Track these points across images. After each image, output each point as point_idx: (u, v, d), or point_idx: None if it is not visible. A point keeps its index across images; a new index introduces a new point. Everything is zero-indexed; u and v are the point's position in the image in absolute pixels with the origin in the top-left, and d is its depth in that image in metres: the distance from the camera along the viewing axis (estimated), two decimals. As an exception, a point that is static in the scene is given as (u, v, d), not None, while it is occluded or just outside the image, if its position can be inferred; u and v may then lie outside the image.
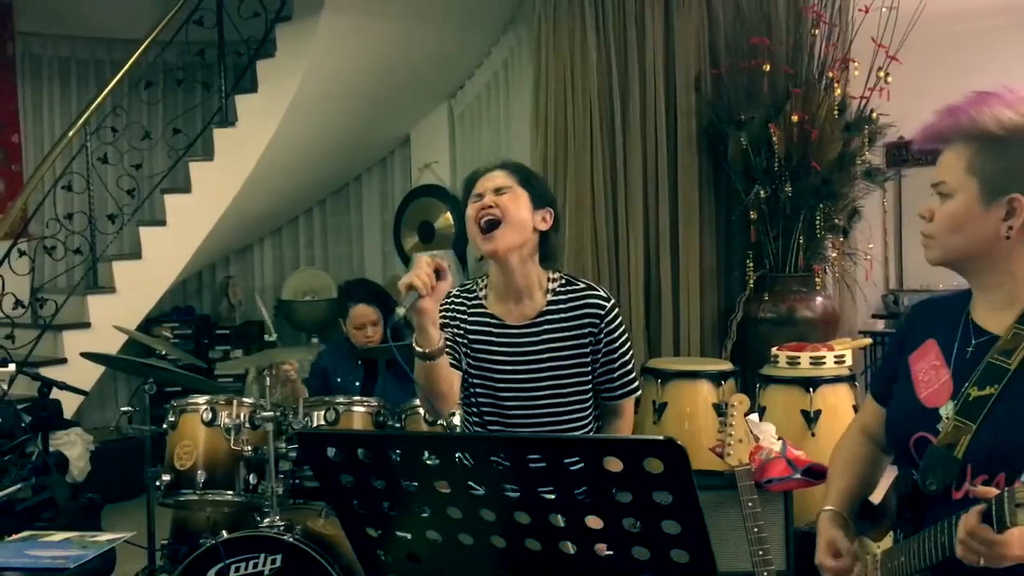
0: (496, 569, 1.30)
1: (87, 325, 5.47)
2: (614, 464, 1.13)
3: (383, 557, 1.40)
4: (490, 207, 2.08)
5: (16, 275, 5.29)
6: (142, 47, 5.43)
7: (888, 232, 6.03)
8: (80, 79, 6.58)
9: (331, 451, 1.30)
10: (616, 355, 2.18)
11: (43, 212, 5.85)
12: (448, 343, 2.05)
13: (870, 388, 1.76)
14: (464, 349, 2.17)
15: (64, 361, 5.28)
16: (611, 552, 1.22)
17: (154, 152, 6.26)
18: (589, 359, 2.15)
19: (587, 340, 2.14)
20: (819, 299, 4.44)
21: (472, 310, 2.20)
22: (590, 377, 2.17)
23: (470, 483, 1.24)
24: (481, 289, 2.22)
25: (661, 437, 1.11)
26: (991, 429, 1.39)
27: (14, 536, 2.86)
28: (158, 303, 5.81)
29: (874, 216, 4.96)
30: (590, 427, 2.21)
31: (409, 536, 1.35)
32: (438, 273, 1.90)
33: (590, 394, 2.18)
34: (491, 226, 2.07)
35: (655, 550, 1.19)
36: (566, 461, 1.16)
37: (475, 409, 2.21)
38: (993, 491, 1.20)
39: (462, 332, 2.17)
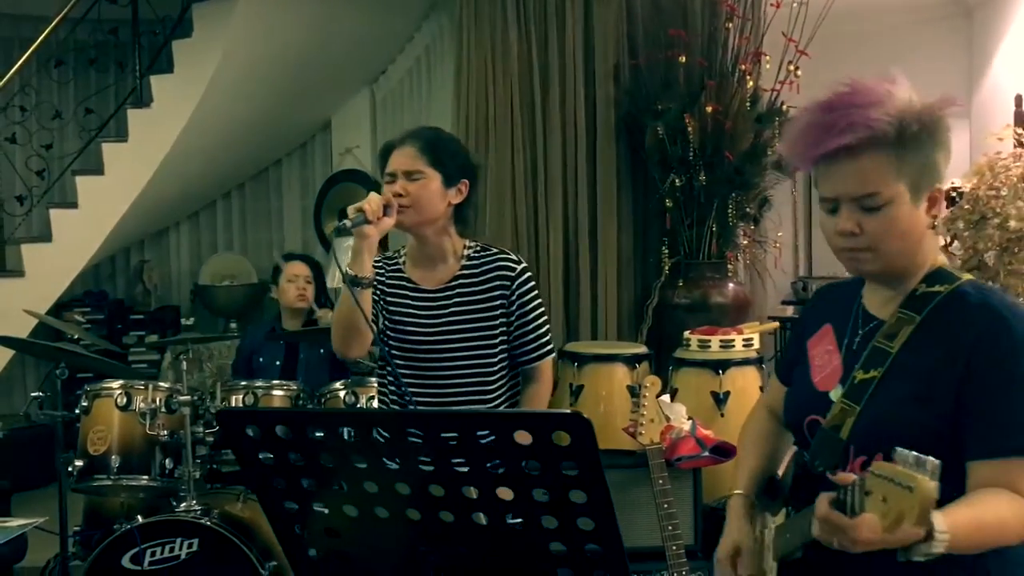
0: (411, 541, 1.35)
1: (-7, 309, 5.31)
2: (524, 437, 1.18)
3: (301, 532, 1.43)
4: (400, 195, 2.17)
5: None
6: (52, 24, 5.28)
7: (798, 221, 6.25)
8: (-13, 56, 6.37)
9: (250, 429, 1.33)
10: (529, 316, 2.28)
11: (-53, 193, 5.67)
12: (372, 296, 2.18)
13: (775, 368, 1.82)
14: (382, 312, 2.27)
15: (-31, 347, 5.12)
16: (521, 521, 1.28)
17: (65, 133, 6.10)
18: (499, 321, 2.25)
19: (499, 303, 2.25)
20: (731, 285, 4.58)
21: (391, 274, 2.31)
22: (500, 339, 2.26)
23: (385, 458, 1.28)
24: (401, 256, 2.34)
25: (568, 411, 1.16)
26: (872, 410, 1.45)
27: (-80, 524, 2.80)
28: (69, 287, 5.66)
29: (784, 205, 5.14)
30: (503, 389, 2.31)
31: (327, 511, 1.39)
32: (386, 208, 2.08)
33: (501, 357, 2.28)
34: (402, 207, 2.17)
35: (563, 519, 1.25)
36: (478, 434, 1.21)
37: (392, 377, 2.30)
38: (851, 477, 1.24)
39: (379, 294, 2.27)
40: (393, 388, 2.33)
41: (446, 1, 5.30)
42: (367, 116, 6.49)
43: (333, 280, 5.55)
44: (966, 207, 5.04)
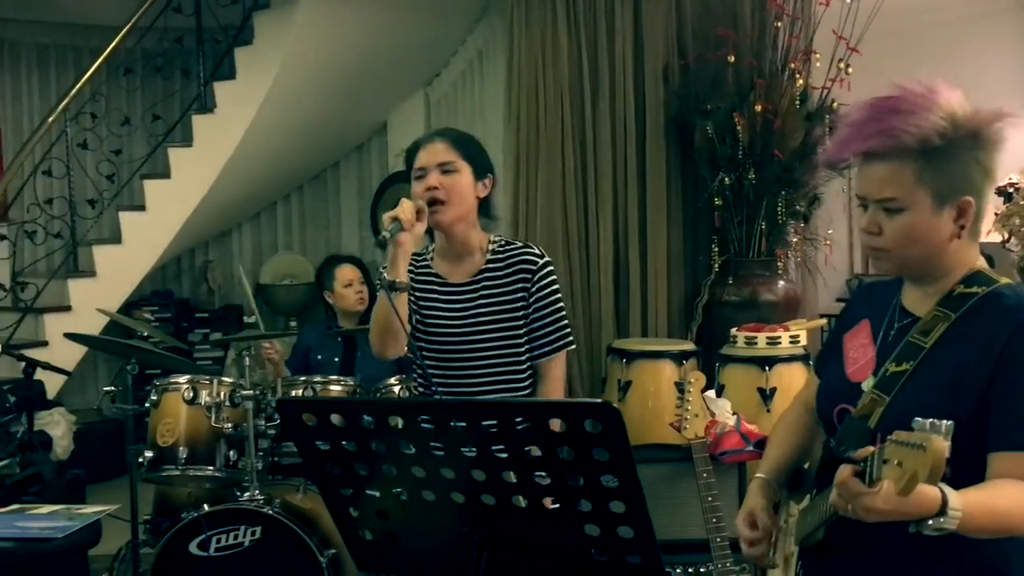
0: (456, 522, 1.45)
1: (68, 308, 5.57)
2: (557, 424, 1.27)
3: (355, 514, 1.54)
4: (435, 188, 2.20)
5: (-3, 259, 5.38)
6: (121, 33, 5.49)
7: (853, 219, 6.22)
8: (59, 65, 6.65)
9: (307, 418, 1.44)
10: (545, 310, 2.29)
11: (24, 197, 5.92)
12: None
13: (813, 364, 1.87)
14: (412, 307, 2.31)
15: (45, 344, 5.36)
16: (557, 505, 1.37)
17: (133, 138, 6.34)
18: (522, 314, 2.28)
19: (520, 295, 2.28)
20: (781, 282, 4.60)
21: (420, 270, 2.36)
22: (524, 333, 2.29)
23: (432, 444, 1.38)
24: (429, 252, 2.38)
25: (599, 400, 1.25)
26: (901, 402, 1.50)
27: (3, 509, 2.99)
28: (138, 287, 5.91)
29: (836, 203, 5.13)
30: (529, 381, 2.34)
31: (378, 494, 1.49)
32: (419, 214, 2.12)
33: (524, 351, 2.30)
34: (435, 202, 2.21)
35: (596, 502, 1.33)
36: (515, 422, 1.30)
37: (420, 371, 2.36)
38: (870, 450, 1.30)
39: (410, 290, 2.31)
40: (422, 382, 2.39)
41: (498, 4, 5.39)
42: (422, 118, 6.62)
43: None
44: (1022, 203, 4.99)
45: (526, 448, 1.32)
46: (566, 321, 2.35)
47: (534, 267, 2.29)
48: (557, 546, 1.41)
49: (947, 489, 1.29)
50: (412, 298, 2.31)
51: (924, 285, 1.57)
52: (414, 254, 2.38)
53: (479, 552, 1.43)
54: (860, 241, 1.56)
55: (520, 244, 2.35)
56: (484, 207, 2.33)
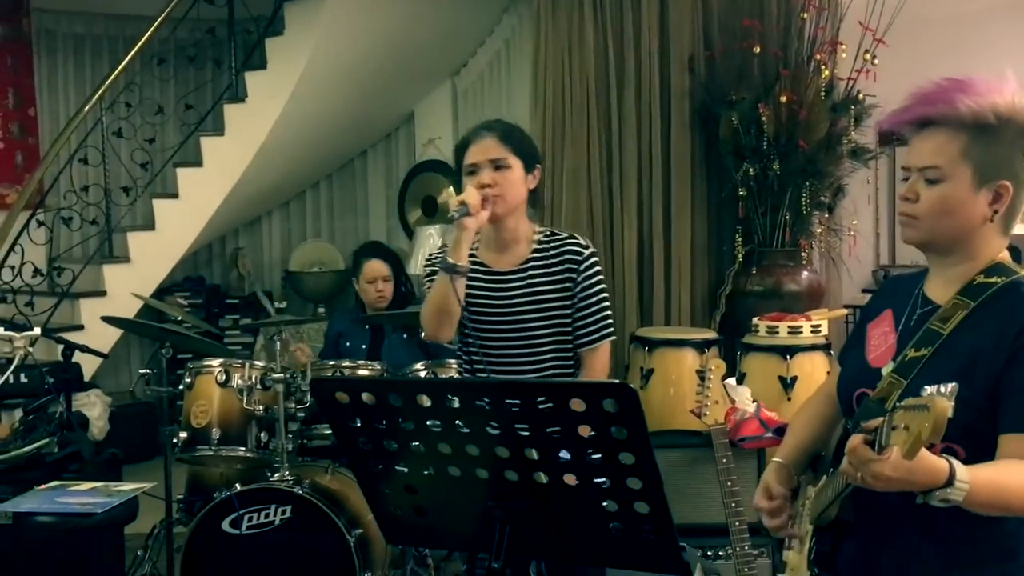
0: (480, 497, 1.52)
1: (103, 293, 5.69)
2: (578, 404, 1.34)
3: (385, 490, 1.61)
4: (490, 184, 2.23)
5: (35, 245, 5.50)
6: (155, 24, 5.59)
7: (880, 209, 6.21)
8: (94, 55, 6.77)
9: (340, 396, 1.51)
10: (593, 298, 2.33)
11: (60, 184, 6.05)
12: None
13: (837, 355, 1.90)
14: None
15: (81, 327, 5.49)
16: (577, 481, 1.43)
17: (167, 127, 6.45)
18: (569, 302, 2.32)
19: (567, 284, 2.31)
20: (805, 273, 4.63)
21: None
22: (571, 322, 2.33)
23: (457, 422, 1.45)
24: (476, 240, 2.39)
25: (616, 381, 1.31)
26: (918, 385, 1.50)
27: (44, 486, 3.10)
28: (170, 273, 6.02)
29: (860, 194, 5.14)
30: (572, 372, 2.37)
31: (406, 470, 1.56)
32: (484, 202, 2.17)
33: (571, 339, 2.34)
34: (492, 196, 2.25)
35: (614, 478, 1.40)
36: (538, 401, 1.37)
37: (466, 358, 2.42)
38: (880, 420, 1.35)
39: None
40: (467, 368, 2.45)
41: (525, -5, 5.45)
42: (449, 108, 6.68)
43: (416, 267, 5.77)
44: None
45: (548, 427, 1.39)
46: (609, 312, 2.38)
47: (580, 257, 2.32)
48: (576, 521, 1.48)
49: (955, 462, 1.35)
50: None
51: (946, 269, 1.61)
52: None
53: (502, 526, 1.50)
54: (896, 208, 1.61)
55: (566, 235, 2.38)
56: (531, 197, 2.36)
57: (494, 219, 2.28)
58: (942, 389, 1.26)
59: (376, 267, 4.03)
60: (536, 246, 2.36)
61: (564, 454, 1.41)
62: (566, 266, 2.32)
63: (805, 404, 1.94)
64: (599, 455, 1.38)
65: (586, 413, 1.34)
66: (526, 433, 1.41)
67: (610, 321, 2.38)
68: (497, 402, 1.39)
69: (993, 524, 1.48)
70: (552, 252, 2.34)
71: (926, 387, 1.29)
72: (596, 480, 1.41)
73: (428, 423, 1.47)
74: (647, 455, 1.35)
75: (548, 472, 1.44)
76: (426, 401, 1.44)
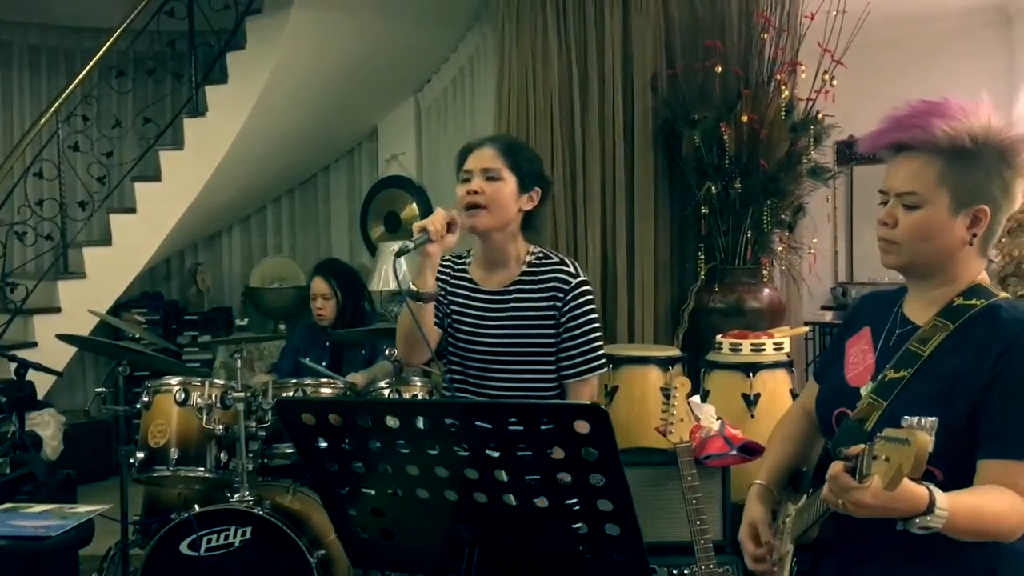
0: (449, 519, 1.50)
1: (58, 310, 5.59)
2: (548, 426, 1.33)
3: (352, 512, 1.59)
4: (476, 193, 2.21)
5: (-14, 260, 5.39)
6: (114, 36, 5.52)
7: (838, 227, 6.31)
8: (50, 67, 6.66)
9: (306, 417, 1.48)
10: (578, 329, 2.25)
11: (14, 198, 5.93)
12: (438, 299, 2.24)
13: (813, 370, 1.91)
14: (446, 309, 2.33)
15: (35, 344, 5.38)
16: (547, 503, 1.42)
17: (124, 141, 6.36)
18: (552, 331, 2.25)
19: (552, 312, 2.25)
20: (766, 290, 4.68)
21: (456, 274, 2.36)
22: (553, 350, 2.26)
23: (426, 443, 1.43)
24: (469, 256, 2.39)
25: (587, 402, 1.30)
26: (897, 407, 1.54)
27: (-5, 508, 3.01)
28: (127, 289, 5.92)
29: (819, 212, 5.21)
30: (553, 397, 2.30)
31: (373, 492, 1.54)
32: (450, 226, 2.11)
33: (552, 366, 2.28)
34: (474, 206, 2.23)
35: (584, 500, 1.39)
36: (508, 422, 1.35)
37: (448, 376, 2.38)
38: (862, 447, 1.35)
39: (444, 292, 2.33)
40: (446, 387, 2.41)
41: (489, 13, 5.46)
42: (412, 124, 6.68)
43: (378, 284, 5.73)
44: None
45: (518, 448, 1.37)
46: (598, 344, 2.29)
47: (567, 286, 2.25)
48: (546, 543, 1.47)
49: (935, 489, 1.35)
50: (446, 300, 2.31)
51: (926, 292, 1.62)
52: (454, 256, 2.38)
53: (471, 548, 1.48)
54: (876, 234, 1.61)
55: (557, 259, 2.31)
56: (528, 219, 2.30)
57: (477, 232, 2.25)
58: (923, 423, 1.27)
59: (317, 284, 4.07)
60: (526, 268, 2.30)
61: (534, 476, 1.40)
62: (552, 293, 2.26)
63: (782, 421, 1.94)
64: (570, 475, 1.37)
65: (556, 433, 1.33)
66: (496, 455, 1.39)
67: (599, 353, 2.29)
68: (467, 423, 1.38)
69: (971, 547, 1.48)
70: (540, 277, 2.29)
71: (907, 418, 1.30)
72: (566, 502, 1.40)
73: (396, 444, 1.45)
74: (618, 476, 1.34)
75: (518, 494, 1.42)
76: (394, 422, 1.42)
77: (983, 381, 1.50)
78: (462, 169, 2.28)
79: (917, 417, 1.28)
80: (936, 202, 1.53)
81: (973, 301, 1.57)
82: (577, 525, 1.42)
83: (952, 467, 1.48)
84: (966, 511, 1.39)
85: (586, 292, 2.28)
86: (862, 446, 1.35)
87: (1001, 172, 1.54)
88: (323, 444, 1.51)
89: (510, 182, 2.24)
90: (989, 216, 1.54)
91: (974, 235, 1.55)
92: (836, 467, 1.36)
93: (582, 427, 1.30)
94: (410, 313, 2.13)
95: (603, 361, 2.32)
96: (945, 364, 1.54)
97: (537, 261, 2.31)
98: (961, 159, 1.52)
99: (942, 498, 1.35)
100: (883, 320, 1.67)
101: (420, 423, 1.42)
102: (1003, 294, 1.59)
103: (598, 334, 2.30)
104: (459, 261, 2.39)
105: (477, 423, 1.37)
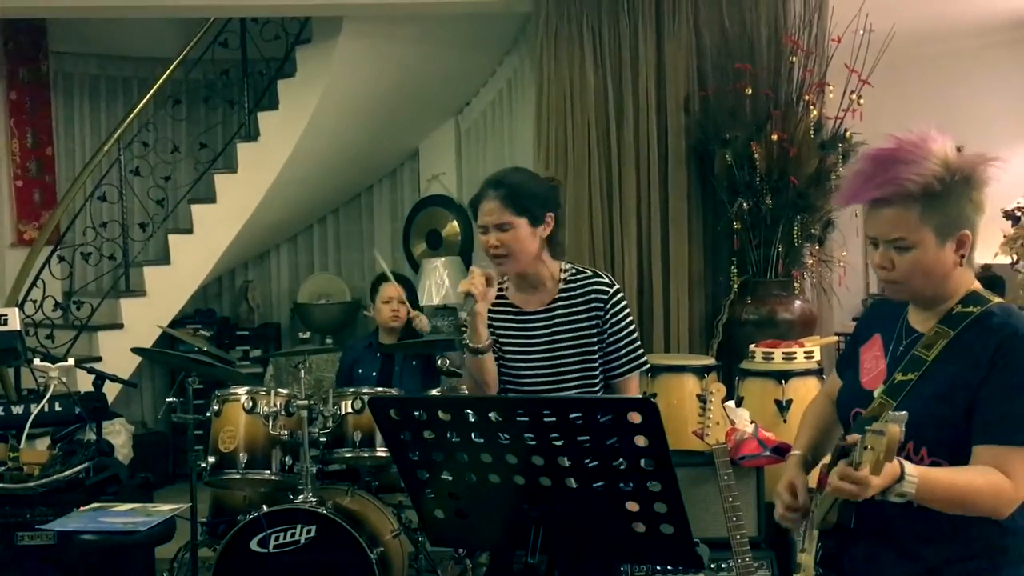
0: (517, 501, 1.72)
1: (120, 326, 5.88)
2: (606, 418, 1.55)
3: (430, 495, 1.81)
4: (496, 246, 2.40)
5: (54, 279, 5.70)
6: (172, 66, 5.83)
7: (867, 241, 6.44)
8: (109, 96, 6.99)
9: (393, 412, 1.72)
10: (621, 332, 2.47)
11: (78, 221, 6.24)
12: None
13: (835, 365, 2.13)
14: (493, 336, 2.51)
15: (99, 359, 5.67)
16: (604, 485, 1.64)
17: (181, 165, 6.67)
18: (596, 339, 2.46)
19: (594, 322, 2.46)
20: (797, 302, 4.83)
21: (497, 302, 2.54)
22: (597, 356, 2.47)
23: (498, 434, 1.66)
24: (504, 283, 2.56)
25: (639, 396, 1.52)
26: (905, 406, 1.74)
27: (84, 507, 3.27)
28: (182, 306, 6.22)
29: (848, 227, 5.35)
30: None
31: (451, 478, 1.77)
32: (488, 281, 2.36)
33: (598, 373, 2.48)
34: (500, 256, 2.44)
35: (637, 482, 1.60)
36: (570, 416, 1.58)
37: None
38: (856, 437, 1.58)
39: (489, 321, 2.51)
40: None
41: (527, 39, 5.67)
42: (452, 145, 6.92)
43: (422, 299, 5.99)
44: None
45: (579, 437, 1.60)
46: (639, 343, 2.52)
47: (606, 296, 2.46)
48: (604, 521, 1.68)
49: (904, 461, 1.59)
50: (491, 328, 2.49)
51: (929, 307, 1.83)
52: None
53: (536, 527, 1.70)
54: (875, 275, 1.82)
55: (590, 273, 2.51)
56: (550, 240, 2.49)
57: (509, 275, 2.48)
58: (895, 416, 1.51)
59: (391, 288, 4.37)
60: (563, 286, 2.49)
61: (592, 461, 1.62)
62: (592, 305, 2.45)
63: (811, 407, 2.16)
64: (624, 461, 1.59)
65: (613, 424, 1.55)
66: (559, 443, 1.61)
67: (640, 352, 2.52)
68: (535, 416, 1.60)
69: (978, 522, 1.69)
70: (579, 291, 2.47)
71: (889, 412, 1.53)
72: (620, 484, 1.62)
73: (472, 435, 1.68)
74: (665, 461, 1.56)
75: (578, 478, 1.64)
76: (471, 416, 1.65)
77: (978, 380, 1.71)
78: (477, 223, 2.45)
79: (897, 412, 1.53)
80: (923, 240, 1.70)
81: (970, 308, 1.78)
82: (629, 503, 1.63)
83: (954, 458, 1.70)
84: (939, 481, 1.62)
85: (623, 298, 2.50)
86: (857, 436, 1.58)
87: (970, 196, 1.73)
88: (407, 436, 1.74)
89: (522, 226, 2.39)
90: (971, 236, 1.75)
91: (962, 256, 1.76)
92: (841, 465, 1.59)
93: (635, 418, 1.52)
94: (473, 366, 2.39)
95: (645, 359, 2.55)
96: (947, 367, 1.75)
97: (572, 278, 2.49)
98: (934, 198, 1.70)
99: (910, 467, 1.58)
100: (891, 327, 1.88)
101: (492, 416, 1.65)
102: (996, 299, 1.80)
103: (637, 335, 2.53)
104: (497, 289, 2.51)
105: (544, 416, 1.59)
